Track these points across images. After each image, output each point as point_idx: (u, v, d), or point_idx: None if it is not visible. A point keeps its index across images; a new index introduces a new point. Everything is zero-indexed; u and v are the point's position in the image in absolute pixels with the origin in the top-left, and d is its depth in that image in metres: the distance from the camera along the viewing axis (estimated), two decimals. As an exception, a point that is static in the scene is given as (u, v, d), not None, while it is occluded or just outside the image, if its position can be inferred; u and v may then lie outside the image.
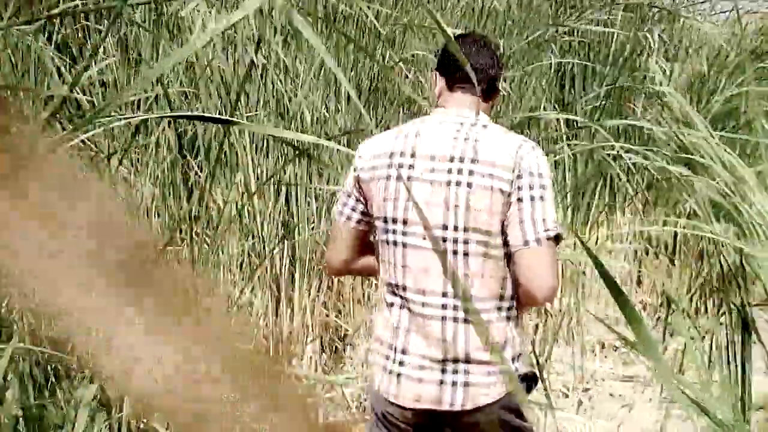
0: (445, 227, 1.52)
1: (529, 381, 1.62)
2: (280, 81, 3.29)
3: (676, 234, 3.31)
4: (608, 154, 3.21)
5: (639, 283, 4.90)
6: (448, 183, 1.52)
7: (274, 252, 3.12)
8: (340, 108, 3.53)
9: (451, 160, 1.52)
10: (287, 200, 3.31)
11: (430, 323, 1.54)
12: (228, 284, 2.95)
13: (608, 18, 4.55)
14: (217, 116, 2.29)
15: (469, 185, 1.50)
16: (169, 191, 3.18)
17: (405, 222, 1.54)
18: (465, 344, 1.53)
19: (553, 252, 1.52)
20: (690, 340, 1.78)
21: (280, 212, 3.25)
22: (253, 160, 3.13)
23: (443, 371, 1.53)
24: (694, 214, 3.66)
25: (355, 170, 1.63)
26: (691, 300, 4.08)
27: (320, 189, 3.36)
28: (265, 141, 3.20)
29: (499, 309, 1.54)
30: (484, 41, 1.68)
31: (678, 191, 2.42)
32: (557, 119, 4.02)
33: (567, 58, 4.67)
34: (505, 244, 1.52)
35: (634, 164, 2.68)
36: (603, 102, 4.24)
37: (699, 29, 5.01)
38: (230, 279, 3.03)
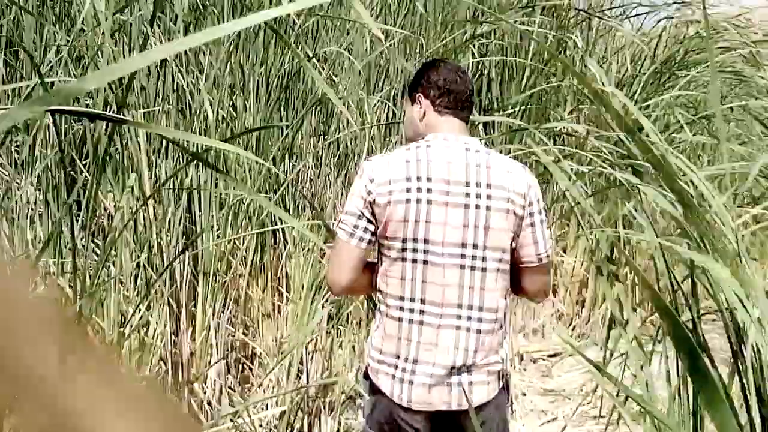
0: (464, 245, 1.73)
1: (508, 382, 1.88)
2: (181, 74, 2.97)
3: (625, 245, 3.21)
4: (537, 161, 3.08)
5: (554, 292, 4.83)
6: (466, 206, 1.72)
7: (174, 264, 2.79)
8: (248, 106, 3.24)
9: (467, 184, 1.72)
10: (189, 206, 2.99)
11: (445, 332, 1.74)
12: (120, 302, 2.59)
13: (527, 21, 4.45)
14: (100, 112, 1.96)
15: (488, 208, 1.72)
16: (52, 195, 2.81)
17: (426, 241, 1.72)
18: (474, 351, 1.76)
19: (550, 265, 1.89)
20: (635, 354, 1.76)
21: (180, 220, 2.92)
22: (149, 160, 2.79)
23: (451, 376, 1.75)
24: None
25: (369, 194, 1.74)
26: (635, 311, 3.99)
27: (226, 195, 3.05)
28: (164, 139, 2.87)
29: (497, 319, 1.79)
30: (462, 68, 1.89)
31: (623, 199, 2.35)
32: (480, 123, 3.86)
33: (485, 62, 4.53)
34: (511, 260, 1.79)
35: (576, 172, 2.54)
36: (525, 107, 4.14)
37: (616, 33, 5.02)
38: (123, 295, 2.67)
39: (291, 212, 3.42)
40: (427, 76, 1.82)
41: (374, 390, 1.81)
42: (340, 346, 3.23)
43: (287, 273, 3.31)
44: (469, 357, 1.75)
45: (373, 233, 1.76)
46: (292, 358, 2.95)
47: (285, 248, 3.33)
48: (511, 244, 1.76)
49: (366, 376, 1.86)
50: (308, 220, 3.48)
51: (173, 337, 2.88)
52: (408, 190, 1.73)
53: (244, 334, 3.24)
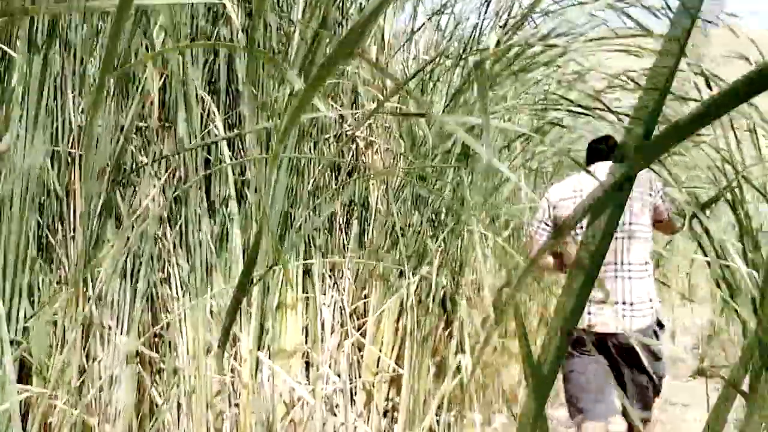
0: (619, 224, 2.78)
1: (659, 322, 2.93)
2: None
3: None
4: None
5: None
6: None
7: None
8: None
9: None
10: None
11: (611, 280, 2.82)
12: None
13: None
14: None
15: (630, 198, 2.72)
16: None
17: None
18: (630, 292, 2.82)
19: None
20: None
21: None
22: None
23: (617, 307, 2.79)
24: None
25: (551, 207, 3.02)
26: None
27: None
28: None
29: (646, 270, 2.88)
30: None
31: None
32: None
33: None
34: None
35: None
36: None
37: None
38: None
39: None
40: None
41: None
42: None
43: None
44: (627, 296, 2.83)
45: (551, 228, 3.07)
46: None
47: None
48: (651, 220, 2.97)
49: None
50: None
51: None
52: (573, 198, 2.98)
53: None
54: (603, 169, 2.83)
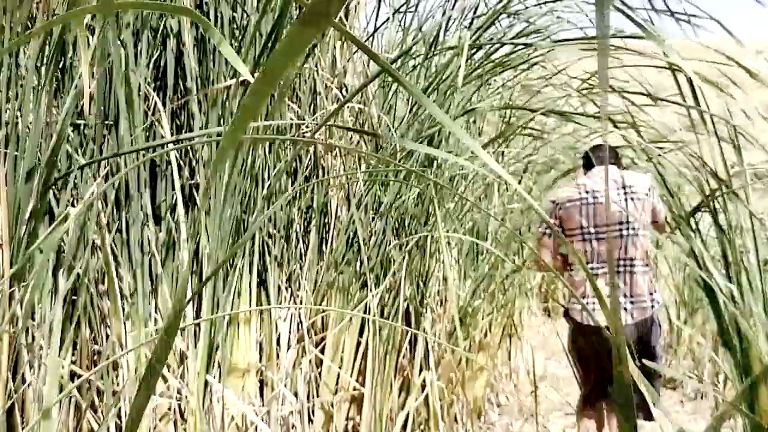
0: (621, 223, 3.08)
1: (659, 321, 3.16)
2: None
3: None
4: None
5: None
6: (620, 200, 3.11)
7: None
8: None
9: (618, 189, 3.16)
10: None
11: (617, 276, 2.97)
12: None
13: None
14: None
15: (632, 199, 3.11)
16: None
17: (596, 226, 3.11)
18: (632, 286, 3.04)
19: None
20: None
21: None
22: None
23: (622, 301, 3.04)
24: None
25: (557, 208, 3.23)
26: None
27: None
28: None
29: (647, 265, 3.11)
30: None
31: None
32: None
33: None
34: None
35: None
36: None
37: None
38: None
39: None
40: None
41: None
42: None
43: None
44: (629, 290, 3.05)
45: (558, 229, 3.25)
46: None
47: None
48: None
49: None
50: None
51: None
52: (579, 200, 3.19)
53: None
54: (598, 173, 3.16)
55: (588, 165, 3.29)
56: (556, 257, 3.28)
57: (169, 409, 2.24)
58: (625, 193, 3.08)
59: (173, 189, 2.53)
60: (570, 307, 3.21)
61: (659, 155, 3.12)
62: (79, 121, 2.65)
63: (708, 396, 4.88)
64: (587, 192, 3.14)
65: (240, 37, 2.80)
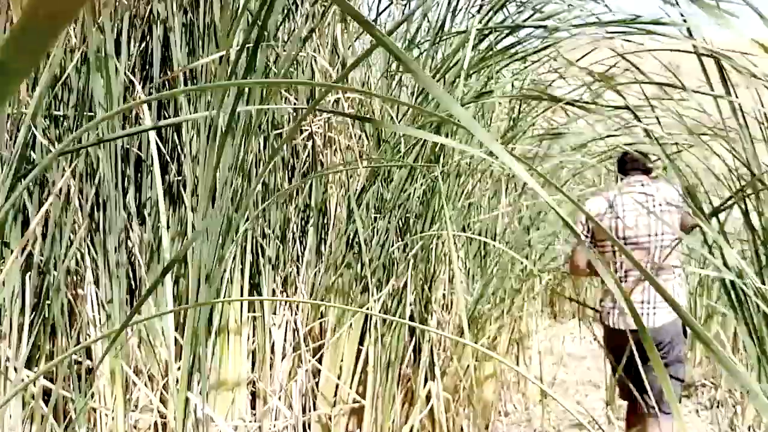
0: (649, 235, 3.25)
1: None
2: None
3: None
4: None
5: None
6: (648, 213, 3.25)
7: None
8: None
9: (646, 202, 3.31)
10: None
11: (639, 281, 3.21)
12: None
13: None
14: None
15: (661, 211, 3.24)
16: None
17: (624, 238, 3.28)
18: (655, 294, 3.19)
19: None
20: None
21: None
22: None
23: (643, 307, 3.22)
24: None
25: (588, 221, 3.36)
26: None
27: None
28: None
29: (673, 273, 3.24)
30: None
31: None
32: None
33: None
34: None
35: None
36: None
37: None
38: None
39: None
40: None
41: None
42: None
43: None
44: (652, 297, 3.19)
45: (591, 239, 3.44)
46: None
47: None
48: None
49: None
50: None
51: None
52: (609, 213, 3.36)
53: None
54: (627, 184, 3.32)
55: (622, 170, 3.43)
56: (588, 264, 3.42)
57: (149, 428, 2.04)
58: (654, 205, 3.23)
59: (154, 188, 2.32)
60: (602, 311, 3.36)
61: (678, 150, 2.91)
62: (56, 113, 2.45)
63: (726, 404, 4.67)
64: (617, 204, 3.33)
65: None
